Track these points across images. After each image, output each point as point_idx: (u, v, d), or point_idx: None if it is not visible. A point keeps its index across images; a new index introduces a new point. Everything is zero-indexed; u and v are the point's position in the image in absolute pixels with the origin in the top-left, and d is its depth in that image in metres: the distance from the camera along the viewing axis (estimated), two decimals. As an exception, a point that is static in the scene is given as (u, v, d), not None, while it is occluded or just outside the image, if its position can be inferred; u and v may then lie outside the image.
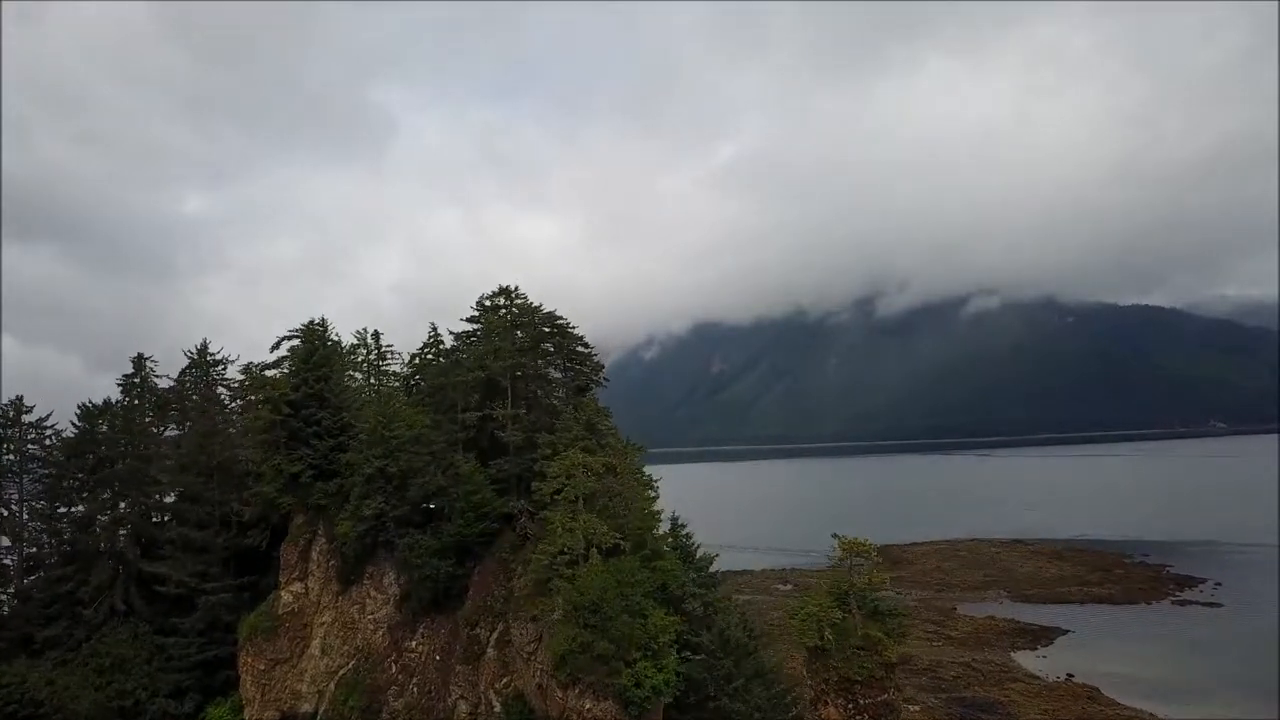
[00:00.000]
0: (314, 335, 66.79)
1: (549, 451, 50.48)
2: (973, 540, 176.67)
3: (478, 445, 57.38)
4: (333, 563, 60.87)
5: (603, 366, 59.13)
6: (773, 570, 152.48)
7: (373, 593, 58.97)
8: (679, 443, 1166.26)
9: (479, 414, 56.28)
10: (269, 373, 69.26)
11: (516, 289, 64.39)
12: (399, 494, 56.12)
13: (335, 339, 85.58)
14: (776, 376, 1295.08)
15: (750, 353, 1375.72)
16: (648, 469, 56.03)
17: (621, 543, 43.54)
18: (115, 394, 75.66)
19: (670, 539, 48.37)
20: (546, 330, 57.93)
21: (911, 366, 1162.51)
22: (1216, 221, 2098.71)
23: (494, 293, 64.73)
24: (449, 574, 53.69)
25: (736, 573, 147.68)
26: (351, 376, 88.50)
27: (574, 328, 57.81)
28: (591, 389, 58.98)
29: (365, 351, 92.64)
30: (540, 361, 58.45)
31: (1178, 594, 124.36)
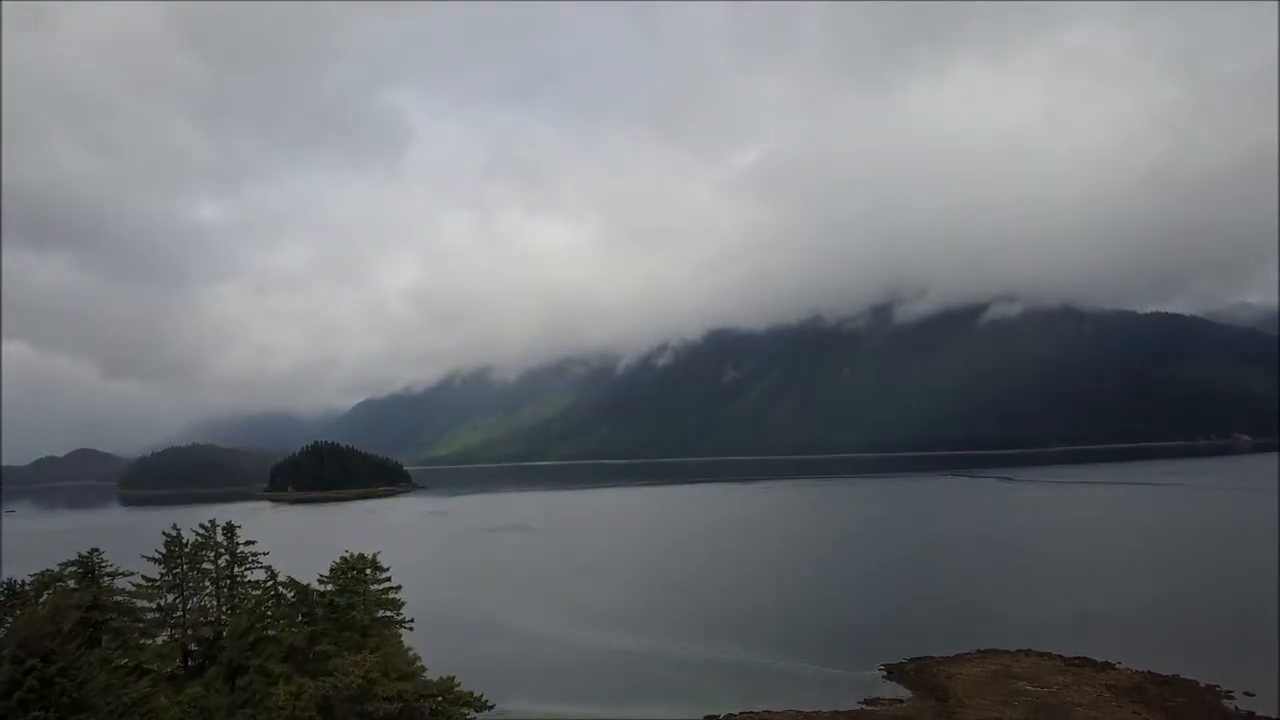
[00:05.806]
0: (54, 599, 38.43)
1: None
2: (1030, 655, 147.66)
3: None
4: None
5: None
6: (789, 714, 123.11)
7: None
8: (691, 451, 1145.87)
9: None
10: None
11: (374, 560, 36.94)
12: None
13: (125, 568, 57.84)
14: (790, 385, 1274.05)
15: (764, 360, 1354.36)
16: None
17: None
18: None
19: None
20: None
21: (929, 375, 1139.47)
22: (1240, 227, 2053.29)
23: (342, 564, 37.27)
24: None
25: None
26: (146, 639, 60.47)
27: (454, 679, 29.85)
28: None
29: (213, 554, 66.86)
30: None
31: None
